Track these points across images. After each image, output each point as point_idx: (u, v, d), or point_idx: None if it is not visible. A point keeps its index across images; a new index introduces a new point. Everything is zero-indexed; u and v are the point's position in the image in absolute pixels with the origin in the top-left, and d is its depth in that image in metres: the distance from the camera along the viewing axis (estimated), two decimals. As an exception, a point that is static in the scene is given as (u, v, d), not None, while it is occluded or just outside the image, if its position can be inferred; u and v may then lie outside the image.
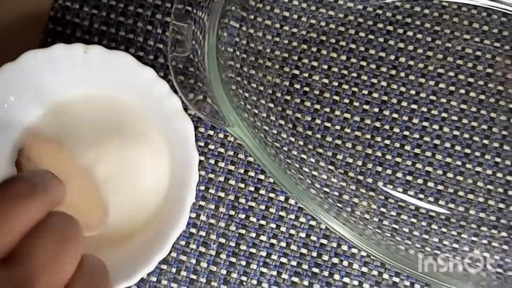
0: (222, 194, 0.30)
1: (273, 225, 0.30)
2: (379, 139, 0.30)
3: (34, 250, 0.16)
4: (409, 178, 0.30)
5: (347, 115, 0.30)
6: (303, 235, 0.30)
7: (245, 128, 0.25)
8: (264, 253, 0.30)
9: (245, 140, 0.25)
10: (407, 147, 0.30)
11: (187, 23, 0.26)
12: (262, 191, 0.30)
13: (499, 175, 0.30)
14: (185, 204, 0.24)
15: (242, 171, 0.30)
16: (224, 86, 0.26)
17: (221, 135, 0.30)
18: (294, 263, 0.29)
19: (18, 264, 0.16)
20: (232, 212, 0.30)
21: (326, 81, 0.31)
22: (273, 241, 0.30)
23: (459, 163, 0.30)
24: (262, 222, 0.30)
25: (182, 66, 0.25)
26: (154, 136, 0.26)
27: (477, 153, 0.30)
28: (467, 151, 0.30)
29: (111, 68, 0.26)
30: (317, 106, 0.30)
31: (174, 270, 0.30)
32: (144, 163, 0.27)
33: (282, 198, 0.30)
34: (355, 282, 0.29)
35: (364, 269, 0.29)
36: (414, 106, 0.30)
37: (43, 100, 0.27)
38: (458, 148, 0.30)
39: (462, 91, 0.30)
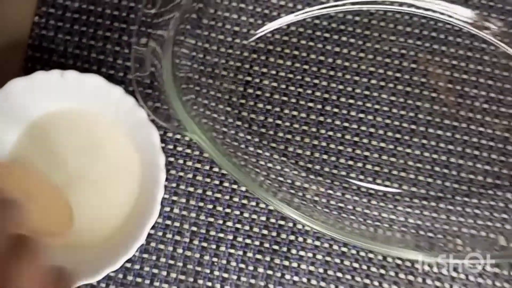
0: (191, 189, 0.35)
1: (237, 212, 0.35)
2: (323, 131, 0.35)
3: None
4: (351, 162, 0.35)
5: (295, 113, 0.35)
6: (263, 218, 0.34)
7: (200, 132, 0.30)
8: (231, 237, 0.34)
9: (201, 142, 0.30)
10: (347, 136, 0.35)
11: (146, 46, 0.30)
12: (226, 184, 0.35)
13: (426, 154, 0.35)
14: (156, 198, 0.29)
15: (207, 167, 0.35)
16: (180, 98, 0.30)
17: (187, 138, 0.35)
18: (257, 242, 0.34)
19: None
20: (201, 204, 0.35)
21: (275, 84, 0.35)
22: (238, 225, 0.34)
23: (391, 146, 0.35)
24: (228, 210, 0.35)
25: (145, 84, 0.30)
26: (126, 144, 0.31)
27: (406, 137, 0.35)
28: (398, 136, 0.35)
29: (84, 88, 0.30)
30: (269, 107, 0.35)
31: (154, 257, 0.34)
32: (118, 167, 0.31)
33: (243, 188, 0.35)
34: (310, 255, 0.34)
35: (317, 243, 0.34)
36: (351, 101, 0.35)
37: (24, 120, 0.31)
38: (390, 134, 0.35)
39: (391, 85, 0.35)
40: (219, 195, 0.35)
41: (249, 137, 0.35)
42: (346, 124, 0.35)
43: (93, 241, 0.31)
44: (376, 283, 0.34)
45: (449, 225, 0.34)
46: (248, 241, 0.34)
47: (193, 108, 0.32)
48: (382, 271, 0.34)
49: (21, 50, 0.36)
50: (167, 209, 0.35)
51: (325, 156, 0.35)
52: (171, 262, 0.34)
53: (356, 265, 0.34)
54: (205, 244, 0.34)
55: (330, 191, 0.34)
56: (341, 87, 0.35)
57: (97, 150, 0.31)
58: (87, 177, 0.31)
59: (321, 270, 0.34)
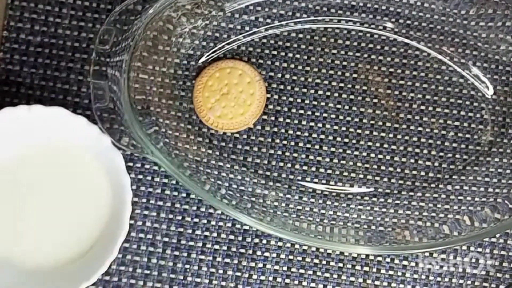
0: (160, 203, 0.37)
1: (205, 221, 0.37)
2: (278, 140, 0.38)
3: None
4: (305, 168, 0.38)
5: (251, 125, 0.38)
6: (229, 224, 0.37)
7: (160, 154, 0.32)
8: (200, 244, 0.37)
9: (160, 163, 0.33)
10: (301, 144, 0.38)
11: (104, 79, 0.33)
12: (192, 196, 0.37)
13: (372, 155, 0.38)
14: (124, 216, 0.32)
15: (174, 182, 0.38)
16: (139, 122, 0.33)
17: (153, 156, 0.38)
18: (225, 247, 0.37)
19: None
20: (171, 216, 0.37)
21: (230, 100, 0.38)
22: (206, 233, 0.37)
23: (340, 150, 0.38)
24: (196, 219, 0.37)
25: (106, 113, 0.33)
26: (94, 170, 0.33)
27: (354, 141, 0.38)
28: (346, 140, 0.38)
29: (51, 120, 0.32)
30: (226, 122, 0.38)
31: (131, 269, 0.37)
32: (89, 192, 0.34)
33: (208, 199, 0.38)
34: (274, 255, 0.37)
35: (280, 244, 0.37)
36: (301, 111, 0.38)
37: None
38: (338, 139, 0.38)
39: (336, 94, 0.38)
40: (187, 206, 0.37)
41: (210, 151, 0.38)
42: (298, 133, 0.38)
43: (71, 260, 0.33)
44: (335, 276, 0.37)
45: (398, 219, 0.37)
46: (216, 246, 0.37)
47: (154, 129, 0.35)
48: (340, 265, 0.37)
49: (-11, 85, 0.38)
50: (140, 223, 0.37)
51: (281, 164, 0.38)
52: (147, 272, 0.37)
53: (316, 261, 0.37)
54: (177, 253, 0.37)
55: (288, 196, 0.37)
56: (291, 99, 0.38)
57: (68, 178, 0.34)
58: (62, 205, 0.34)
59: (285, 268, 0.37)
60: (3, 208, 0.34)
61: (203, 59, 0.38)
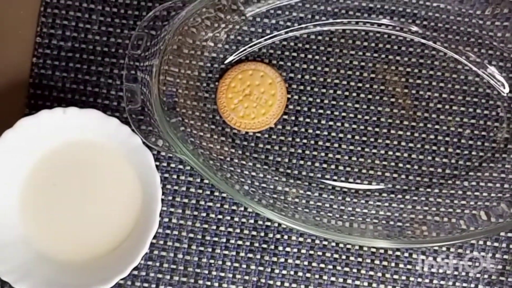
0: (186, 200, 0.39)
1: (228, 217, 0.39)
2: (298, 139, 0.39)
3: None
4: (325, 165, 0.39)
5: (272, 125, 0.39)
6: (252, 221, 0.39)
7: (188, 152, 0.34)
8: (224, 240, 0.39)
9: (189, 161, 0.34)
10: (320, 143, 0.39)
11: (135, 82, 0.35)
12: (216, 193, 0.39)
13: (390, 153, 0.39)
14: (155, 212, 0.33)
15: (198, 180, 0.39)
16: (168, 122, 0.35)
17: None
18: (248, 243, 0.39)
19: None
20: (196, 213, 0.39)
21: (252, 101, 0.40)
22: (230, 229, 0.39)
23: (359, 148, 0.39)
24: (220, 216, 0.39)
25: (137, 112, 0.35)
26: (125, 168, 0.35)
27: (372, 139, 0.39)
28: (364, 138, 0.39)
29: (84, 122, 0.34)
30: (248, 122, 0.40)
31: (158, 264, 0.38)
32: (121, 189, 0.36)
33: (232, 196, 0.39)
34: (295, 250, 0.38)
35: (301, 239, 0.39)
36: (321, 111, 0.39)
37: (33, 155, 0.36)
38: (357, 137, 0.39)
39: (354, 94, 0.39)
40: (211, 204, 0.39)
41: (233, 150, 0.39)
42: (318, 132, 0.39)
43: (104, 253, 0.35)
44: (355, 270, 0.38)
45: (415, 214, 0.38)
46: (239, 242, 0.39)
47: (180, 129, 0.37)
48: (360, 259, 0.38)
49: (23, 89, 0.40)
50: (166, 219, 0.39)
51: (301, 162, 0.39)
52: (173, 266, 0.39)
53: (336, 256, 0.38)
54: (202, 248, 0.39)
55: (309, 193, 0.39)
56: (310, 99, 0.39)
57: (102, 175, 0.35)
58: (96, 200, 0.36)
59: (306, 263, 0.38)
60: (41, 204, 0.36)
61: (226, 61, 0.40)
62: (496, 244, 0.38)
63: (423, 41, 0.39)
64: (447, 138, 0.39)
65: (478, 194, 0.38)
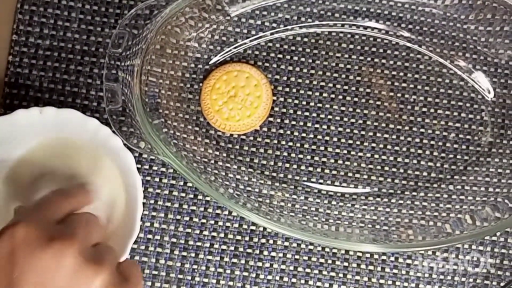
0: (168, 204, 0.38)
1: (212, 221, 0.38)
2: (283, 142, 0.39)
3: (75, 221, 0.29)
4: (311, 168, 0.39)
5: (257, 127, 0.39)
6: (236, 225, 0.38)
7: (171, 154, 0.33)
8: (208, 244, 0.38)
9: (172, 163, 0.33)
10: (306, 145, 0.39)
11: (116, 81, 0.34)
12: (200, 197, 0.38)
13: (376, 156, 0.39)
14: (136, 216, 0.32)
15: (182, 183, 0.38)
16: (150, 123, 0.34)
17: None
18: (232, 248, 0.38)
19: (67, 224, 0.29)
20: (178, 217, 0.38)
21: (237, 103, 0.39)
22: (214, 234, 0.38)
23: (345, 151, 0.39)
24: (203, 220, 0.38)
25: (118, 115, 0.33)
26: (106, 170, 0.34)
27: (358, 142, 0.39)
28: (350, 141, 0.39)
29: (63, 122, 0.33)
30: (233, 124, 0.39)
31: (139, 269, 0.37)
32: (102, 188, 0.34)
33: (216, 199, 0.38)
34: (280, 254, 0.38)
35: (286, 243, 0.38)
36: (307, 113, 0.39)
37: (8, 154, 0.34)
38: (343, 140, 0.39)
39: (340, 97, 0.39)
40: (194, 207, 0.38)
41: (217, 152, 0.38)
42: (303, 135, 0.39)
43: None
44: (341, 275, 0.38)
45: (401, 218, 0.38)
46: (224, 247, 0.38)
47: (163, 131, 0.36)
48: (346, 264, 0.38)
49: (-2, 88, 0.38)
50: (148, 224, 0.38)
51: (287, 165, 0.39)
52: (155, 272, 0.37)
53: (322, 260, 0.38)
54: (185, 254, 0.38)
55: (294, 196, 0.38)
56: (296, 101, 0.39)
57: (81, 178, 0.34)
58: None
59: (291, 268, 0.38)
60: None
61: (210, 62, 0.39)
62: (481, 248, 0.38)
63: (408, 44, 0.39)
64: (432, 142, 0.39)
65: (463, 197, 0.38)
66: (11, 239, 0.26)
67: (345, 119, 0.39)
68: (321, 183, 0.39)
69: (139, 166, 0.38)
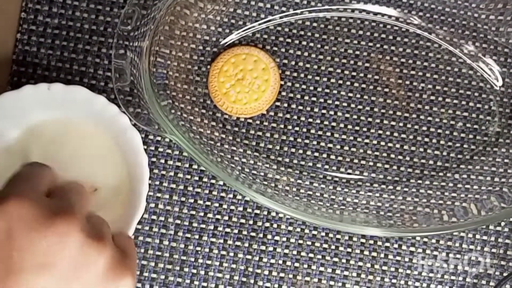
0: (173, 186, 0.38)
1: (217, 204, 0.38)
2: (290, 127, 0.39)
3: (67, 193, 0.28)
4: (316, 154, 0.39)
5: (264, 111, 0.39)
6: (240, 208, 0.38)
7: (179, 134, 0.33)
8: (212, 227, 0.38)
9: (180, 143, 0.33)
10: (312, 131, 0.39)
11: (125, 59, 0.33)
12: (205, 179, 0.38)
13: (382, 143, 0.39)
14: (141, 196, 0.32)
15: (187, 165, 0.38)
16: (159, 103, 0.34)
17: (167, 139, 0.38)
18: (236, 231, 0.38)
19: (58, 198, 0.27)
20: (183, 199, 0.38)
21: (244, 86, 0.39)
22: (218, 216, 0.38)
23: (351, 138, 0.39)
24: (208, 203, 0.38)
25: (126, 92, 0.33)
26: (112, 148, 0.34)
27: (364, 129, 0.39)
28: (357, 128, 0.39)
29: (70, 99, 0.33)
30: (240, 107, 0.39)
31: (142, 250, 0.37)
32: (106, 169, 0.34)
33: (221, 182, 0.38)
34: (284, 239, 0.38)
35: (290, 228, 0.38)
36: (314, 99, 0.39)
37: (15, 128, 0.34)
38: (350, 127, 0.39)
39: (348, 83, 0.39)
40: (199, 190, 0.38)
41: (223, 135, 0.38)
42: (310, 120, 0.39)
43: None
44: (344, 261, 0.38)
45: (406, 205, 0.38)
46: (227, 230, 0.38)
47: (171, 112, 0.36)
48: (349, 250, 0.38)
49: (6, 66, 0.38)
50: (152, 205, 0.38)
51: (293, 150, 0.38)
52: (158, 253, 0.37)
53: (325, 246, 0.38)
54: (188, 235, 0.38)
55: (299, 181, 0.38)
56: (304, 86, 0.39)
57: (86, 155, 0.34)
58: (78, 180, 0.34)
59: (294, 252, 0.38)
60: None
61: (219, 45, 0.39)
62: (485, 237, 0.38)
63: (418, 31, 0.39)
64: (439, 130, 0.39)
65: (469, 186, 0.38)
66: (6, 217, 0.24)
67: (353, 105, 0.39)
68: (326, 169, 0.38)
69: (145, 147, 0.37)
